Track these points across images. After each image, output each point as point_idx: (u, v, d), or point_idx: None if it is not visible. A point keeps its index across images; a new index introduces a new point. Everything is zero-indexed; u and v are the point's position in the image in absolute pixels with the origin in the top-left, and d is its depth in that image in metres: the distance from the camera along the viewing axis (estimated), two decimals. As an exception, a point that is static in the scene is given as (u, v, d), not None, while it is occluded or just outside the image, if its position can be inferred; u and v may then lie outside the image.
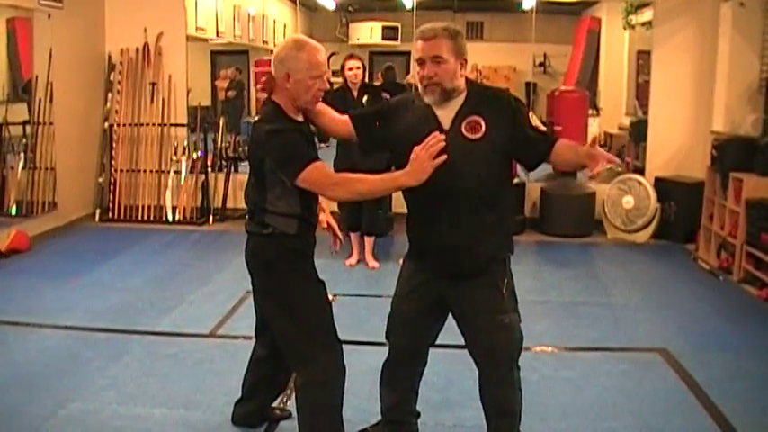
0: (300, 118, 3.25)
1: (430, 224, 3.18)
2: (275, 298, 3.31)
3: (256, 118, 3.23)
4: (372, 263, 6.89)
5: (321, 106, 3.31)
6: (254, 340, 3.78)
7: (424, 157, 2.89)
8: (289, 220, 3.20)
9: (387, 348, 3.53)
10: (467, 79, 3.16)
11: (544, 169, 8.88)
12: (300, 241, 3.28)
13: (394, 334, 3.46)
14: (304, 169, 3.03)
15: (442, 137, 2.92)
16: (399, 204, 6.77)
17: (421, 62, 3.07)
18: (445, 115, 3.11)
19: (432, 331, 3.44)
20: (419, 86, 3.13)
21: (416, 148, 2.92)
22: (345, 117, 3.38)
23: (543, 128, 3.13)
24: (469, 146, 3.04)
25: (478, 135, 3.05)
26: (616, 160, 2.99)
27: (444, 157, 2.89)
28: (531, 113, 3.15)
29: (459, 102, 3.11)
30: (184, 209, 8.95)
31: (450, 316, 3.36)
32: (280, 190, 3.16)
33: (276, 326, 3.35)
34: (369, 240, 6.94)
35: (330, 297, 3.41)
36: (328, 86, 3.27)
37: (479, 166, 3.06)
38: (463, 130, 3.05)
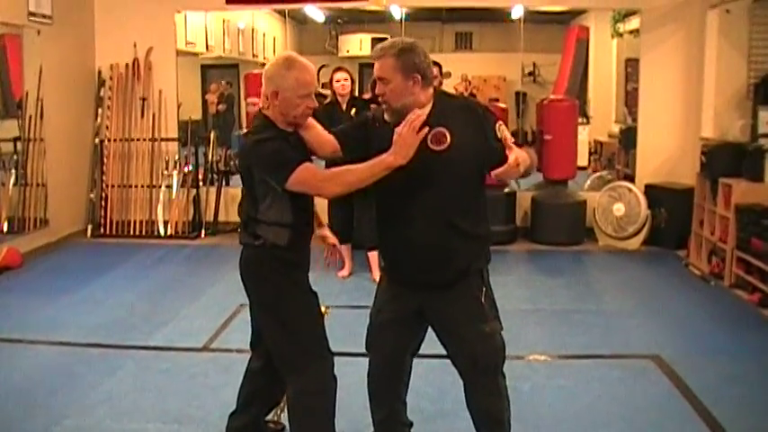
0: (291, 129, 3.26)
1: (402, 237, 3.19)
2: (267, 308, 3.33)
3: (246, 131, 3.24)
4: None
5: (310, 121, 3.31)
6: (247, 354, 3.78)
7: (408, 133, 2.91)
8: (280, 231, 3.22)
9: (369, 372, 3.54)
10: (434, 90, 3.16)
11: (535, 178, 8.97)
12: (292, 252, 3.30)
13: (373, 346, 3.47)
14: (292, 172, 3.05)
15: (421, 112, 2.94)
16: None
17: (377, 80, 3.11)
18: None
19: (411, 341, 3.44)
20: None
21: (398, 128, 2.93)
22: (330, 137, 3.35)
23: (510, 139, 3.07)
24: (435, 157, 3.05)
25: (443, 146, 3.05)
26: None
27: (426, 129, 2.92)
28: (499, 124, 3.12)
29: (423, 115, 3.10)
30: (176, 223, 8.94)
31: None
32: (270, 200, 3.18)
33: (269, 336, 3.37)
34: (373, 255, 6.79)
35: (323, 309, 3.42)
36: (316, 104, 3.28)
37: (447, 178, 3.07)
38: (429, 142, 3.04)
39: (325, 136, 3.35)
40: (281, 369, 3.38)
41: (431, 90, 3.14)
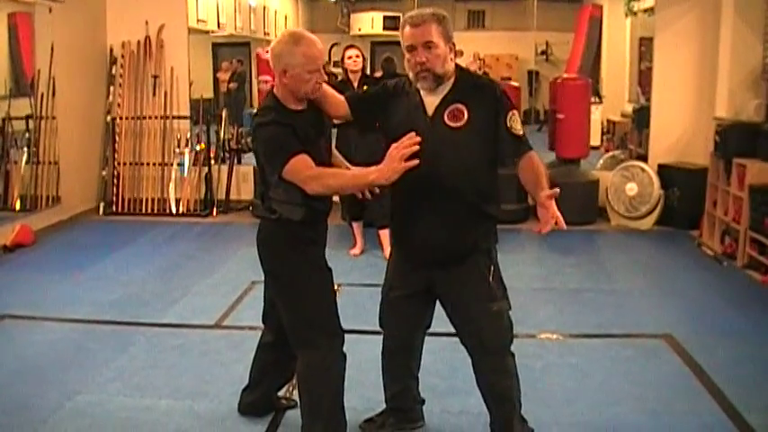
0: (302, 106, 3.25)
1: (412, 212, 3.20)
2: (281, 282, 3.35)
3: (254, 113, 3.25)
4: None
5: (325, 88, 3.31)
6: (259, 330, 3.80)
7: (396, 158, 2.87)
8: (292, 207, 3.22)
9: (382, 347, 3.57)
10: (457, 66, 3.17)
11: (547, 157, 8.94)
12: (307, 228, 3.31)
13: (386, 322, 3.50)
14: (287, 162, 3.04)
15: (418, 139, 2.86)
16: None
17: (411, 48, 3.07)
18: (431, 102, 3.13)
19: (423, 317, 3.46)
20: (410, 74, 3.13)
21: (392, 146, 2.90)
22: (342, 99, 3.40)
23: (520, 132, 3.09)
24: (451, 134, 3.06)
25: (460, 123, 3.06)
26: (562, 224, 2.99)
27: (416, 161, 2.84)
28: (513, 113, 3.11)
29: (446, 89, 3.12)
30: (188, 201, 8.96)
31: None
32: (276, 179, 3.18)
33: (282, 309, 3.39)
34: (384, 234, 6.77)
35: (335, 287, 3.43)
36: (326, 78, 3.28)
37: (461, 154, 3.07)
38: (446, 118, 3.06)
39: (338, 97, 3.39)
40: (293, 343, 3.39)
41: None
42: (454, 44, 3.10)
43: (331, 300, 3.38)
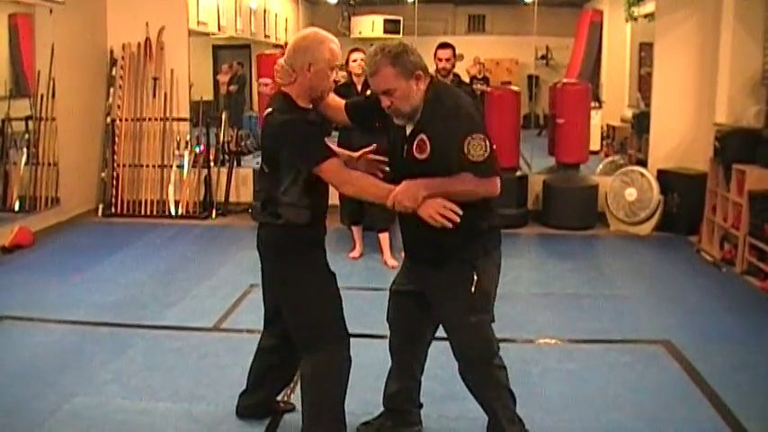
0: (311, 106, 3.29)
1: (405, 224, 3.30)
2: (287, 286, 3.35)
3: (269, 110, 3.25)
4: (391, 261, 6.72)
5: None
6: (258, 334, 3.80)
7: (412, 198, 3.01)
8: (301, 211, 3.24)
9: (388, 342, 3.60)
10: (430, 85, 3.11)
11: (547, 161, 8.94)
12: (313, 231, 3.34)
13: (390, 317, 3.56)
14: (323, 161, 3.10)
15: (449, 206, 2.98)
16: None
17: (379, 95, 3.11)
18: (405, 132, 3.16)
19: (420, 318, 3.46)
20: None
21: (434, 204, 2.99)
22: (341, 104, 3.45)
23: (478, 158, 2.98)
24: (418, 165, 3.07)
25: (425, 155, 3.06)
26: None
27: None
28: (471, 138, 2.97)
29: (415, 118, 3.11)
30: (187, 203, 8.96)
31: None
32: (292, 179, 3.19)
33: (288, 313, 3.39)
34: (384, 238, 6.84)
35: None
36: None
37: (432, 167, 3.05)
38: (414, 150, 3.07)
39: (339, 101, 3.45)
40: (299, 347, 3.41)
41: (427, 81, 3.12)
42: (420, 73, 3.04)
43: (338, 302, 3.40)
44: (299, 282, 3.32)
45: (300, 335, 3.37)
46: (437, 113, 3.07)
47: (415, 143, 3.07)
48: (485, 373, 3.32)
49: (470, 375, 3.34)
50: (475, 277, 3.17)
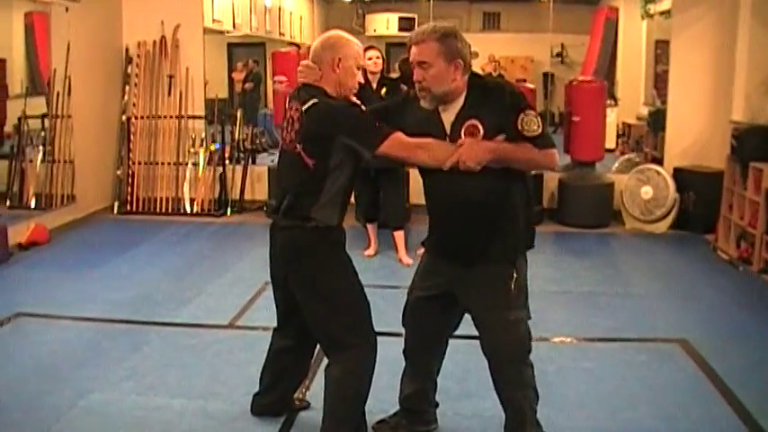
0: None
1: (444, 225, 3.25)
2: (316, 286, 3.31)
3: (313, 101, 3.15)
4: (406, 259, 6.73)
5: None
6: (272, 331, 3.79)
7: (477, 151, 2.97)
8: (335, 210, 3.25)
9: (403, 344, 3.58)
10: (472, 74, 3.12)
11: (562, 159, 8.89)
12: (339, 232, 3.33)
13: (406, 322, 3.51)
14: (386, 138, 3.07)
15: None
16: (416, 195, 6.75)
17: (414, 65, 3.08)
18: (447, 119, 3.11)
19: (443, 321, 3.45)
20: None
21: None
22: None
23: (535, 132, 3.02)
24: None
25: (478, 139, 3.03)
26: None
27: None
28: (525, 113, 3.02)
29: (458, 104, 3.09)
30: (202, 201, 8.97)
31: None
32: (339, 169, 3.18)
33: (314, 314, 3.35)
34: (399, 236, 6.85)
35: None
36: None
37: (481, 171, 3.01)
38: (463, 135, 3.03)
39: None
40: (327, 346, 3.39)
41: (467, 77, 3.10)
42: (461, 62, 3.03)
43: (367, 303, 3.39)
44: (330, 283, 3.30)
45: (330, 336, 3.34)
46: (486, 97, 3.07)
47: (464, 128, 3.03)
48: (516, 372, 3.28)
49: (504, 373, 3.29)
50: (515, 275, 3.18)
